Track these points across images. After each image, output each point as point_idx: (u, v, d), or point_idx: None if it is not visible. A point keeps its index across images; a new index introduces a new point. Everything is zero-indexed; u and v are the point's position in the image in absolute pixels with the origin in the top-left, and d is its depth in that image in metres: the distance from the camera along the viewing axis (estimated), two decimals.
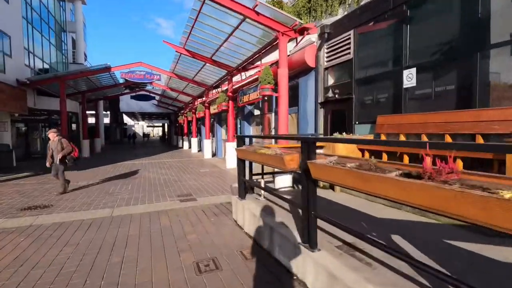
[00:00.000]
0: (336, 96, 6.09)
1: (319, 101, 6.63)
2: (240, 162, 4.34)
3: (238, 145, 4.31)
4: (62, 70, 17.71)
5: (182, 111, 25.28)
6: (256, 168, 4.63)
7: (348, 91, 5.74)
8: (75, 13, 21.46)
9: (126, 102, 31.06)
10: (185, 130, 24.50)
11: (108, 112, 37.51)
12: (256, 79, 9.11)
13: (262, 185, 4.27)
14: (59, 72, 13.36)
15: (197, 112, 16.90)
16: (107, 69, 13.62)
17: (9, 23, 11.66)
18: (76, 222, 4.79)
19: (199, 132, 21.88)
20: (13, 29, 11.95)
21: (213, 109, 14.38)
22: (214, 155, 16.79)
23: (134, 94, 22.33)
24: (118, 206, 5.77)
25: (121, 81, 17.22)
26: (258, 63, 9.70)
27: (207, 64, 12.07)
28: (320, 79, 6.61)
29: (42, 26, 15.34)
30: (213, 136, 17.79)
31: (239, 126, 13.11)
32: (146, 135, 58.29)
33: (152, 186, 7.95)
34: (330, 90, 6.14)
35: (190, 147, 24.56)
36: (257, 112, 11.44)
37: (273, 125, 9.52)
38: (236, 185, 5.90)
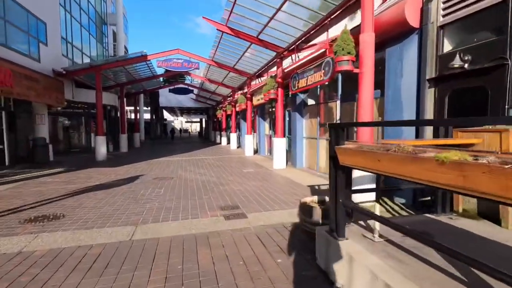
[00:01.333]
0: (466, 66, 3.88)
1: (428, 77, 4.44)
2: (340, 173, 2.43)
3: (335, 142, 2.39)
4: None
5: (220, 105, 24.06)
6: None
7: (495, 55, 3.51)
8: (115, 4, 21.17)
9: (166, 97, 30.88)
10: (223, 125, 23.23)
11: (149, 108, 37.99)
12: (320, 56, 7.08)
13: (378, 214, 2.32)
14: (94, 61, 12.66)
15: (237, 104, 15.33)
16: (143, 57, 12.55)
17: (45, 9, 11.02)
18: (79, 251, 3.30)
19: (238, 127, 20.40)
20: (49, 15, 11.32)
21: (257, 100, 12.64)
22: (255, 152, 15.11)
23: (172, 87, 21.54)
24: (143, 223, 4.23)
25: (159, 72, 16.29)
26: (320, 38, 7.67)
27: (251, 47, 10.35)
28: (430, 44, 4.42)
29: (81, 16, 14.84)
30: (254, 132, 16.11)
31: (287, 119, 11.20)
32: (184, 131, 59.09)
33: (188, 190, 6.41)
34: (457, 57, 3.93)
35: (228, 143, 23.26)
36: (311, 101, 9.42)
37: (337, 115, 7.44)
38: (308, 200, 4.03)
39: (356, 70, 4.92)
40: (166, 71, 17.39)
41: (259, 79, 13.47)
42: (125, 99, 21.93)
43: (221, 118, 23.81)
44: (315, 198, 4.08)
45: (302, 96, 9.43)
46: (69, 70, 11.79)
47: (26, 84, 9.37)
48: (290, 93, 8.49)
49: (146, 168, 10.04)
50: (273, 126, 13.13)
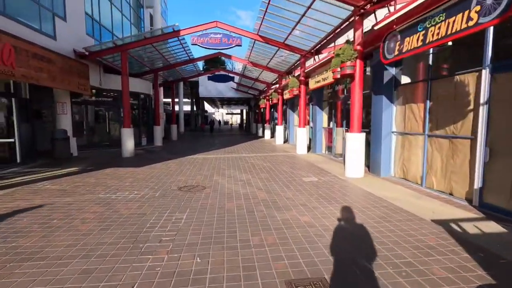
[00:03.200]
0: None
1: None
2: None
3: None
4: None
5: (263, 95, 21.45)
6: None
7: None
8: None
9: (205, 87, 29.28)
10: (267, 117, 20.60)
11: (189, 100, 37.01)
12: None
13: None
14: (118, 38, 10.87)
15: (287, 90, 12.52)
16: (174, 33, 10.35)
17: None
18: None
19: (284, 119, 17.64)
20: None
21: (315, 83, 9.69)
22: (308, 149, 12.22)
23: (211, 74, 19.49)
24: None
25: (197, 55, 14.12)
26: None
27: (313, 8, 7.45)
28: None
29: None
30: (307, 123, 13.18)
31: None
32: (225, 123, 58.18)
33: (224, 220, 3.89)
34: None
35: (272, 136, 20.66)
36: (406, 78, 6.26)
37: (483, 97, 4.23)
38: None
39: None
40: (204, 56, 15.26)
41: (316, 56, 10.47)
42: (162, 88, 20.52)
43: (265, 109, 21.23)
44: None
45: (392, 70, 6.31)
46: (92, 51, 10.07)
47: (35, 65, 7.67)
48: (385, 60, 5.44)
49: (175, 169, 7.85)
50: (334, 116, 10.11)
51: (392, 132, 6.52)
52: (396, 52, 5.00)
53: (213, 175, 7.09)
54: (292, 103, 15.91)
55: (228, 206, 4.58)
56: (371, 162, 7.00)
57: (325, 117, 11.16)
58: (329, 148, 10.96)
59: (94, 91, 12.48)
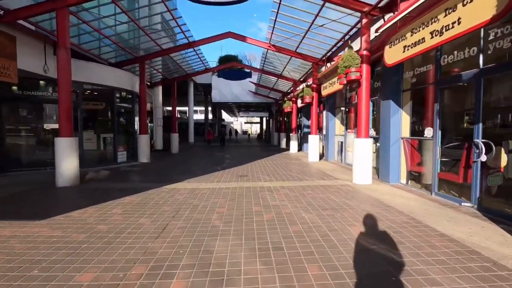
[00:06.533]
0: None
1: None
2: None
3: None
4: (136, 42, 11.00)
5: (288, 96, 16.89)
6: None
7: None
8: None
9: (219, 91, 25.33)
10: (293, 124, 15.93)
11: (203, 108, 33.21)
12: None
13: None
14: None
15: (333, 77, 7.86)
16: None
17: None
18: None
19: (318, 126, 12.88)
20: None
21: (406, 48, 4.95)
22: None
23: (221, 68, 15.32)
24: None
25: (196, 36, 9.81)
26: None
27: None
28: None
29: None
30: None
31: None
32: (244, 132, 54.09)
33: None
34: None
35: (300, 149, 15.96)
36: None
37: None
38: None
39: None
40: (209, 38, 11.00)
41: (388, 15, 5.72)
42: (160, 87, 16.53)
43: (290, 113, 16.64)
44: None
45: None
46: (8, 8, 6.01)
47: None
48: None
49: (107, 230, 3.35)
50: (438, 117, 5.27)
51: None
52: None
53: (179, 273, 2.52)
54: (332, 103, 11.18)
55: None
56: None
57: (405, 119, 6.34)
58: (412, 175, 6.13)
59: (43, 82, 8.52)
